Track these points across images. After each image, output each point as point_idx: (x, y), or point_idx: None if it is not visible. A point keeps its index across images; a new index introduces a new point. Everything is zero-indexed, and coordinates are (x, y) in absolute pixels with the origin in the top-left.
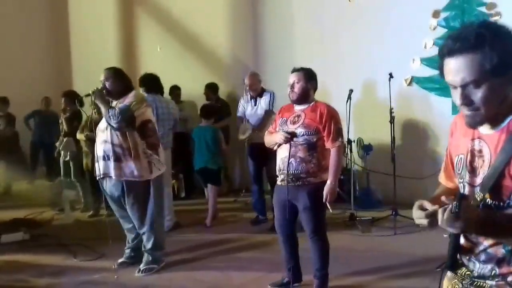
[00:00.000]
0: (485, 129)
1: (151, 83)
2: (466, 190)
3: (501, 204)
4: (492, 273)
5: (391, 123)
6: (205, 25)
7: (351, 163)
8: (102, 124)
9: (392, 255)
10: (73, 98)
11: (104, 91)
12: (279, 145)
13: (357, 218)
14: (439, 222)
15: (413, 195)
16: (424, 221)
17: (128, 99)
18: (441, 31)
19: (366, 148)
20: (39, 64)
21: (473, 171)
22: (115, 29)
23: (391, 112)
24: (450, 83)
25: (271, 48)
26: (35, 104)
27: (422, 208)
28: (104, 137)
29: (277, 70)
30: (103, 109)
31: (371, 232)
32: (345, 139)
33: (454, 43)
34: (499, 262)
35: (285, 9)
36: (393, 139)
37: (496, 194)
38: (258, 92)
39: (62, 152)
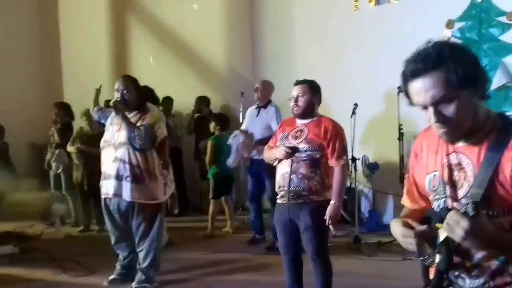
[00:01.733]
0: (460, 143)
1: (148, 95)
2: (448, 204)
3: (493, 213)
4: (486, 287)
5: (399, 140)
6: (200, 36)
7: (355, 182)
8: (114, 139)
9: (400, 281)
10: (64, 109)
11: (121, 102)
12: (279, 160)
13: (362, 242)
14: (447, 226)
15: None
16: (411, 241)
17: (148, 117)
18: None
19: (371, 167)
20: (29, 74)
21: (453, 185)
22: (107, 39)
23: (399, 129)
24: (419, 103)
25: (270, 60)
26: (24, 115)
27: (407, 225)
28: (119, 155)
29: (276, 82)
30: (125, 126)
31: (378, 256)
32: (349, 157)
33: (416, 65)
34: (493, 274)
35: (285, 19)
36: (401, 158)
37: (486, 204)
38: (263, 102)
39: (53, 164)
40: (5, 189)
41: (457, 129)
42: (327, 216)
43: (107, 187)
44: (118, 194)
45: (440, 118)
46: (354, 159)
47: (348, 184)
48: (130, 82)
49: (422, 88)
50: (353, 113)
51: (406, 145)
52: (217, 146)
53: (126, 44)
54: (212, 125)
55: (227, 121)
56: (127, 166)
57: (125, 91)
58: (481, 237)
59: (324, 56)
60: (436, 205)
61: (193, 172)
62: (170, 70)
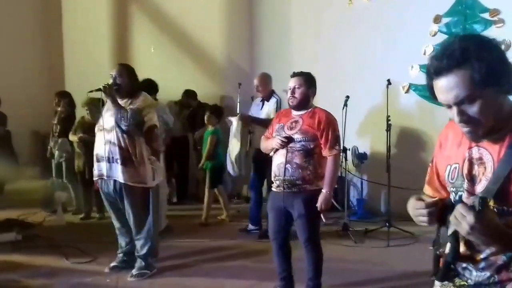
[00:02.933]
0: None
1: (150, 87)
2: (464, 198)
3: (507, 209)
4: (491, 281)
5: (387, 131)
6: (200, 27)
7: (345, 171)
8: (107, 123)
9: (385, 268)
10: (66, 98)
11: (114, 87)
12: (276, 150)
13: (351, 229)
14: (454, 219)
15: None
16: (424, 212)
17: (139, 101)
18: (442, 37)
19: (360, 157)
20: (31, 63)
21: (472, 179)
22: (109, 29)
23: (387, 120)
24: (444, 102)
25: (268, 51)
26: (27, 103)
27: (419, 199)
28: (110, 138)
29: (273, 74)
30: (113, 108)
31: (364, 243)
32: (341, 147)
33: (440, 62)
34: (499, 269)
35: (283, 12)
36: (388, 148)
37: (500, 200)
38: (265, 95)
39: (56, 153)
40: (8, 177)
41: (480, 128)
42: (318, 204)
43: (100, 169)
44: (110, 176)
45: (464, 117)
46: (344, 150)
47: (338, 173)
48: (124, 69)
49: (446, 87)
50: (345, 105)
51: (394, 136)
52: (219, 138)
53: (127, 33)
54: (208, 118)
55: (222, 113)
56: (117, 149)
57: (118, 77)
58: (486, 232)
59: (319, 49)
60: (453, 198)
61: (191, 162)
62: (170, 59)
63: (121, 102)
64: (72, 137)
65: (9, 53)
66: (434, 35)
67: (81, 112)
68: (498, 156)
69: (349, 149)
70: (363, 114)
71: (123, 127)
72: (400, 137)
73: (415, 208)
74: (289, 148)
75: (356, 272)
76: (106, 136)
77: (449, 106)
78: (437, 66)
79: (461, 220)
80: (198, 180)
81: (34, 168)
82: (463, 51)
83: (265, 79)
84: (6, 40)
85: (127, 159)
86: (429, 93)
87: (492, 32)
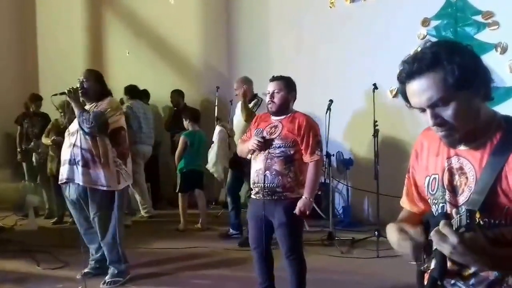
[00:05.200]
0: (462, 146)
1: (133, 91)
2: (447, 210)
3: (494, 222)
4: None
5: (374, 137)
6: (176, 30)
7: (329, 178)
8: (72, 127)
9: (374, 279)
10: (40, 101)
11: (80, 91)
12: (253, 152)
13: (336, 238)
14: (436, 239)
15: (397, 215)
16: (408, 245)
17: (103, 104)
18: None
19: (345, 163)
20: (5, 66)
21: (453, 190)
22: (84, 33)
23: (374, 126)
24: (417, 106)
25: (245, 54)
26: (1, 106)
27: (403, 231)
28: (73, 140)
29: (252, 77)
30: (76, 110)
31: (352, 253)
32: (324, 153)
33: (411, 66)
34: (491, 285)
35: (261, 14)
36: (376, 154)
37: (487, 212)
38: (245, 98)
39: (34, 155)
40: None
41: (456, 132)
42: (297, 208)
43: (62, 173)
44: (70, 178)
45: (438, 120)
46: (328, 155)
47: (322, 180)
48: (91, 74)
49: (418, 90)
50: (328, 109)
51: (381, 142)
52: (189, 142)
53: (102, 37)
54: (184, 121)
55: (198, 116)
56: (78, 150)
57: (85, 81)
58: (469, 254)
59: (299, 52)
60: (434, 210)
61: (168, 165)
62: (146, 63)
63: (88, 106)
64: (45, 140)
65: None
66: (423, 38)
67: (56, 115)
68: (480, 164)
69: (333, 155)
70: (348, 119)
71: (85, 129)
72: (387, 143)
73: (399, 243)
74: (268, 154)
75: (343, 284)
76: (71, 139)
77: (423, 110)
78: (409, 70)
79: (443, 242)
80: (174, 185)
81: (5, 171)
82: (434, 54)
83: (240, 82)
84: None
85: (89, 161)
86: (402, 98)
87: (485, 35)
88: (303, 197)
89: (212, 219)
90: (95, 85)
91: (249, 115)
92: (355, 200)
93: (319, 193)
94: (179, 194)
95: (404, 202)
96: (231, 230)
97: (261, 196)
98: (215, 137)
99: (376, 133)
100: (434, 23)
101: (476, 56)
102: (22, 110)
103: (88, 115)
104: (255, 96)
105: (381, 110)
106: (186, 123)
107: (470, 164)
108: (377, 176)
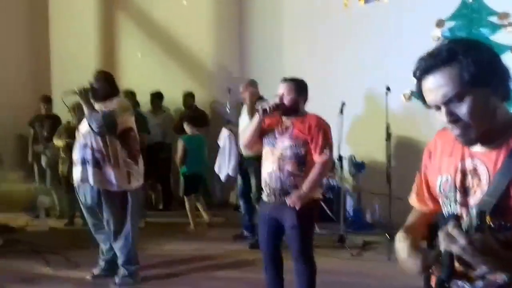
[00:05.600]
0: (477, 147)
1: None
2: (458, 211)
3: (505, 225)
4: None
5: (387, 140)
6: (189, 31)
7: (341, 181)
8: (83, 127)
9: (384, 282)
10: (52, 103)
11: (90, 91)
12: (264, 158)
13: (347, 241)
14: (445, 240)
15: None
16: (418, 263)
17: (112, 105)
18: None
19: (358, 166)
20: (17, 67)
21: (465, 191)
22: (96, 34)
23: (387, 129)
24: (432, 103)
25: (258, 55)
26: (11, 107)
27: (413, 247)
28: (84, 141)
29: (263, 78)
30: (86, 111)
31: (362, 256)
32: (336, 155)
33: (426, 62)
34: None
35: (274, 15)
36: (389, 158)
37: (499, 215)
38: (252, 101)
39: (43, 157)
40: None
41: (471, 131)
42: (289, 199)
43: (75, 173)
44: (83, 179)
45: (453, 117)
46: (340, 158)
47: (334, 182)
48: (102, 74)
49: (434, 85)
50: (341, 111)
51: (394, 145)
52: (187, 146)
53: (115, 38)
54: (184, 124)
55: (199, 120)
56: (89, 150)
57: (95, 82)
58: (479, 255)
59: (312, 53)
60: (445, 211)
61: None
62: (158, 65)
63: (97, 106)
64: (57, 142)
65: None
66: (437, 40)
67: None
68: (494, 167)
69: (345, 158)
70: (361, 122)
71: (95, 129)
72: (400, 146)
73: (409, 262)
74: (280, 155)
75: (352, 286)
76: (82, 140)
77: (438, 108)
78: (424, 66)
79: (452, 243)
80: None
81: (17, 172)
82: (450, 50)
83: (247, 86)
84: None
85: (99, 161)
86: (418, 97)
87: (501, 37)
88: (301, 189)
89: (222, 220)
90: (105, 85)
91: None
92: (367, 203)
93: (330, 196)
94: (185, 197)
95: (413, 200)
96: (245, 232)
97: (273, 198)
98: (222, 141)
99: (388, 136)
100: (449, 24)
101: (495, 54)
102: (34, 111)
103: (98, 115)
104: (261, 98)
105: (394, 113)
106: (185, 126)
107: (484, 165)
108: (389, 179)
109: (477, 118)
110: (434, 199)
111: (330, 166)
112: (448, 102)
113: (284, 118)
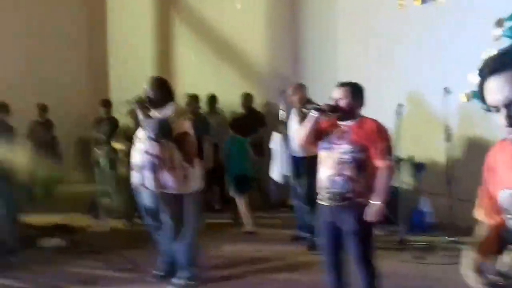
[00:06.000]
0: None
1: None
2: None
3: None
4: None
5: (447, 141)
6: (243, 34)
7: (400, 182)
8: (141, 133)
9: (446, 285)
10: (111, 107)
11: (145, 99)
12: (323, 162)
13: (409, 243)
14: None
15: (473, 220)
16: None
17: (168, 111)
18: (506, 43)
19: (418, 167)
20: (77, 73)
21: None
22: (152, 38)
23: (447, 130)
24: (492, 104)
25: (312, 58)
26: (72, 111)
27: (478, 270)
28: (141, 146)
29: (318, 81)
30: (142, 118)
31: (425, 259)
32: (395, 157)
33: (493, 62)
34: None
35: (328, 16)
36: (449, 159)
37: None
38: (301, 104)
39: (101, 160)
40: (56, 181)
41: None
42: (367, 215)
43: (133, 178)
44: (142, 184)
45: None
46: (398, 160)
47: (393, 184)
48: (156, 81)
49: (496, 87)
50: (398, 113)
51: (456, 146)
52: (228, 148)
53: (171, 41)
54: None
55: (237, 125)
56: (146, 156)
57: (150, 90)
58: None
59: (367, 55)
60: (509, 225)
61: None
62: (213, 67)
63: (153, 113)
64: (116, 145)
65: (56, 63)
66: (498, 39)
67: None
68: None
69: (403, 159)
70: (419, 123)
71: (152, 136)
72: (462, 147)
73: (471, 279)
74: (338, 160)
75: None
76: (139, 145)
77: (498, 110)
78: (490, 66)
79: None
80: None
81: (79, 173)
82: None
83: (298, 89)
84: (53, 50)
85: (157, 166)
86: (478, 98)
87: None
88: (373, 202)
89: (279, 222)
90: (159, 92)
91: (303, 120)
92: (429, 204)
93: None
94: (236, 199)
95: (479, 214)
96: (301, 234)
97: (331, 202)
98: (274, 144)
99: (448, 137)
100: (509, 23)
101: None
102: (93, 115)
103: (152, 122)
104: (309, 101)
105: (453, 114)
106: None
107: None
108: (449, 181)
109: None
110: (500, 212)
111: (394, 170)
112: (509, 105)
113: (340, 123)
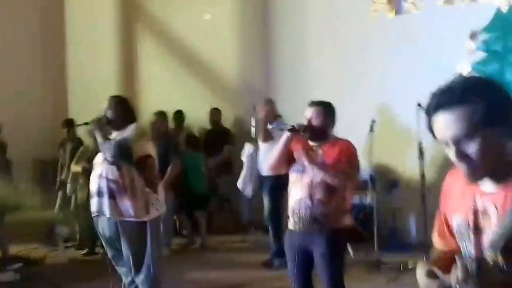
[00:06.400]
0: (487, 187)
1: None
2: (472, 253)
3: None
4: None
5: (420, 159)
6: (212, 46)
7: (374, 200)
8: (99, 157)
9: None
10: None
11: (104, 120)
12: (293, 184)
13: (383, 264)
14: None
15: None
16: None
17: (128, 131)
18: (480, 56)
19: (391, 184)
20: (33, 89)
21: (477, 231)
22: (115, 50)
23: (419, 147)
24: (441, 139)
25: (284, 72)
26: (28, 130)
27: (431, 275)
28: (99, 171)
29: (290, 94)
30: (100, 141)
31: (397, 281)
32: (367, 175)
33: (439, 98)
34: None
35: (299, 30)
36: (422, 176)
37: (508, 256)
38: (266, 119)
39: (68, 185)
40: (7, 207)
41: (479, 168)
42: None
43: (92, 205)
44: (100, 211)
45: (461, 156)
46: (372, 178)
47: (366, 202)
48: (116, 100)
49: (443, 124)
50: (371, 129)
51: (430, 163)
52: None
53: (134, 55)
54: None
55: (192, 141)
56: (105, 181)
57: (109, 110)
58: None
59: (339, 70)
60: (462, 251)
61: None
62: (180, 82)
63: (114, 134)
64: (75, 168)
65: (10, 79)
66: (472, 53)
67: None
68: (503, 208)
69: (377, 177)
70: (393, 139)
71: (109, 159)
72: (436, 163)
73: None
74: (309, 182)
75: None
76: (97, 170)
77: (447, 144)
78: (436, 103)
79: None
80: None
81: (35, 198)
82: (464, 89)
83: (266, 105)
84: (7, 66)
85: (115, 192)
86: (428, 130)
87: None
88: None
89: (251, 245)
90: (118, 112)
91: (267, 136)
92: (401, 222)
93: (365, 217)
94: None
95: (435, 240)
96: (275, 261)
97: (301, 226)
98: (245, 156)
99: (421, 155)
100: (482, 36)
101: (509, 95)
102: (52, 135)
103: (110, 144)
104: (278, 117)
105: (426, 131)
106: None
107: (493, 205)
108: (424, 198)
109: (486, 157)
110: (455, 237)
111: (356, 188)
112: (457, 142)
113: (312, 143)
